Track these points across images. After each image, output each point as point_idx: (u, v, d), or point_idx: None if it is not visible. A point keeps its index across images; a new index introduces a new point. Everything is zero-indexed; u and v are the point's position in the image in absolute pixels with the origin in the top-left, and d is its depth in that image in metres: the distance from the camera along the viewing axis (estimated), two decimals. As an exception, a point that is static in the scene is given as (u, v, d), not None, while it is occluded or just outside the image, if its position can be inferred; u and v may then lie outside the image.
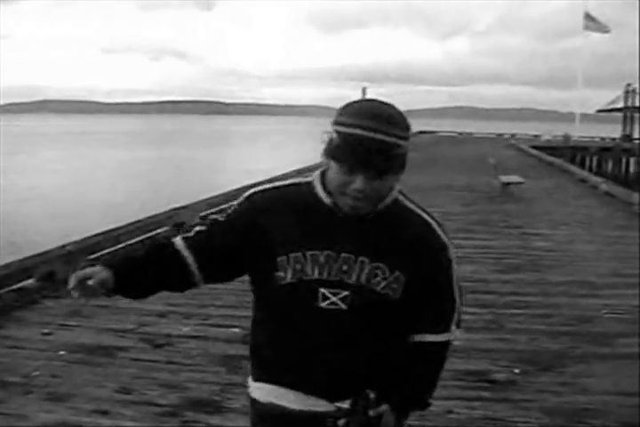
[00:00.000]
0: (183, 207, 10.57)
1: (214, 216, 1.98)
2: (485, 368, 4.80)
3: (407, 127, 1.76)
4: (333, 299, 1.83)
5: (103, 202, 22.57)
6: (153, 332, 5.45)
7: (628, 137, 45.62)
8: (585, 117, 53.60)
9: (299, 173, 18.81)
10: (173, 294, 7.34)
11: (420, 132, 58.97)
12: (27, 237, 15.36)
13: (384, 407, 1.90)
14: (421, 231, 1.90)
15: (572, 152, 39.24)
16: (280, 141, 76.70)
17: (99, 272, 1.81)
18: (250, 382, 2.04)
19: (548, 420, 4.03)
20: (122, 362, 4.80)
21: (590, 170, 33.50)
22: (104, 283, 1.81)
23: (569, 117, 58.61)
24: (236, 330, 5.28)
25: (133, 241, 8.68)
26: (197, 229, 1.97)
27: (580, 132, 47.12)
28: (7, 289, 6.54)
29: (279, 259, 1.85)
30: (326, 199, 1.84)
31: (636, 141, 43.91)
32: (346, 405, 1.88)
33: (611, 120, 59.92)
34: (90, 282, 1.79)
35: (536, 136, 53.27)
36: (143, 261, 1.92)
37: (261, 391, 1.97)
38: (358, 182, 1.72)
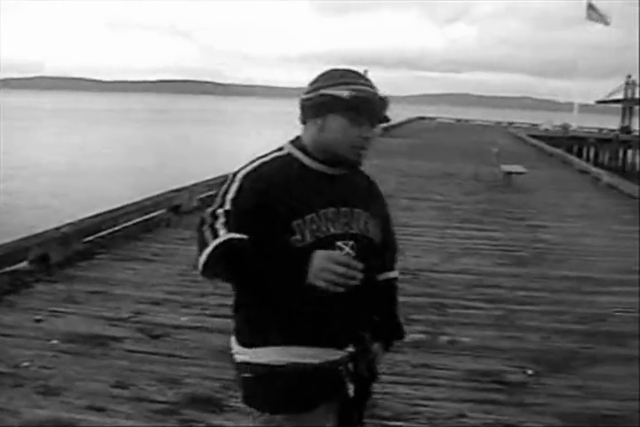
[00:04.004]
0: (181, 189, 10.29)
1: (212, 209, 1.97)
2: (498, 368, 4.58)
3: None
4: (346, 249, 2.01)
5: (101, 182, 22.25)
6: (149, 321, 5.19)
7: (626, 129, 45.48)
8: (584, 108, 53.39)
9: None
10: (169, 281, 7.06)
11: (420, 118, 58.75)
12: (23, 217, 15.03)
13: (376, 345, 2.18)
14: (373, 182, 2.25)
15: (570, 142, 39.09)
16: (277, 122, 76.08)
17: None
18: (247, 349, 2.04)
19: (566, 426, 3.82)
20: (117, 353, 4.55)
21: (587, 160, 33.41)
22: None
23: (567, 108, 58.41)
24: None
25: (130, 223, 8.44)
26: (226, 235, 1.91)
27: (578, 123, 46.94)
28: (-1, 272, 6.28)
29: (295, 223, 1.96)
30: (312, 164, 2.05)
31: (636, 133, 43.78)
32: (351, 349, 2.05)
33: (610, 111, 59.73)
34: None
35: (534, 125, 52.91)
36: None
37: (277, 353, 2.00)
38: (366, 130, 1.99)
